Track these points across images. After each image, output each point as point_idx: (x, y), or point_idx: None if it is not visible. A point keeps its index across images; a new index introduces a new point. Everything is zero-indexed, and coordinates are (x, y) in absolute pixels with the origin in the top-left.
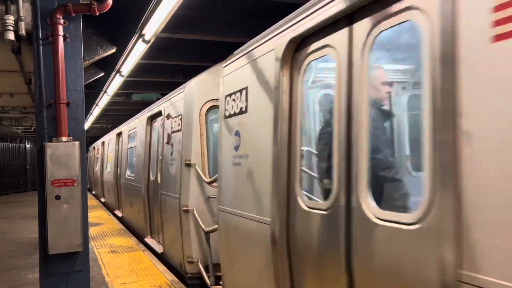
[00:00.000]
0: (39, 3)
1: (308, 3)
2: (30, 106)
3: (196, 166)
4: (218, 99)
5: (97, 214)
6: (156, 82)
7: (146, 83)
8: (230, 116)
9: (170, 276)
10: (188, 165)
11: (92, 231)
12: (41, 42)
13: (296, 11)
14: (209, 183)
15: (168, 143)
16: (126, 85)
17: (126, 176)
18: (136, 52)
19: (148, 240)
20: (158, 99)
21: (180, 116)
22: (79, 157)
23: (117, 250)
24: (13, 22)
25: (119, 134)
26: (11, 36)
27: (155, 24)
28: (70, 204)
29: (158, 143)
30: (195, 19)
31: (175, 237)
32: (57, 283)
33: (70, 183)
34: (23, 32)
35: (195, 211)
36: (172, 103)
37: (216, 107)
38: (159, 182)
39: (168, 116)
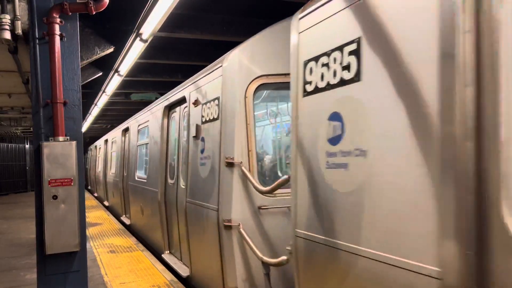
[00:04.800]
0: (35, 2)
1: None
2: (29, 106)
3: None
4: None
5: (96, 214)
6: (155, 82)
7: (144, 83)
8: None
9: (169, 276)
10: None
11: (91, 231)
12: (37, 41)
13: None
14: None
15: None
16: (125, 85)
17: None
18: (134, 51)
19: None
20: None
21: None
22: (76, 156)
23: (116, 250)
24: (9, 21)
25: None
26: (7, 35)
27: (152, 23)
28: (67, 204)
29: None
30: (193, 18)
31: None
32: (55, 283)
33: (67, 183)
34: (19, 31)
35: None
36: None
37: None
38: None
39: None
